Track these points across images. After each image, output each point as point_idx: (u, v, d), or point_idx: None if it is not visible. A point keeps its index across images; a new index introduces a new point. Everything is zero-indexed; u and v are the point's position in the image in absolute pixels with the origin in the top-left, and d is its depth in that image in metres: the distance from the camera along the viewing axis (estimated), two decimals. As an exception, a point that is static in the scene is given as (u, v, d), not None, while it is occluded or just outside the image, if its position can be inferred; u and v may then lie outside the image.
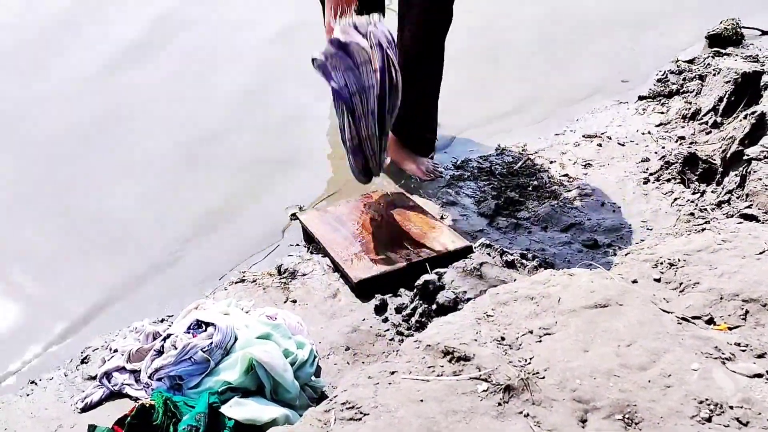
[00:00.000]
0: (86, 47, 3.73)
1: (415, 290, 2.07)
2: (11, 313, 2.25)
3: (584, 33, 3.83)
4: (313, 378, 1.83)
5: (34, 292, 2.32)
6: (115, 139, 3.03)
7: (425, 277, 2.07)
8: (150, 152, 2.95)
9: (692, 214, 2.34)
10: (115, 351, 1.97)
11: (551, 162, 2.83)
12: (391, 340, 1.99)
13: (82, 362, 2.03)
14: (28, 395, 1.93)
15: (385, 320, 2.05)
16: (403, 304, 2.08)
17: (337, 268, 2.25)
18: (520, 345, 1.48)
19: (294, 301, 2.15)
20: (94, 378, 1.94)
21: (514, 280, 1.98)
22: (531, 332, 1.51)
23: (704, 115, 2.95)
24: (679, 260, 1.74)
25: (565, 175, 2.74)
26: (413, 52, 2.63)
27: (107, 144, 3.00)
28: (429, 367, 1.43)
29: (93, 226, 2.56)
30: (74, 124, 3.12)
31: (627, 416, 1.30)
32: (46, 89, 3.35)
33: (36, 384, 1.97)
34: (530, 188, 2.67)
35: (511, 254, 2.22)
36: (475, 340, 1.49)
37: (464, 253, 2.24)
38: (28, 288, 2.33)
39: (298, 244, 2.46)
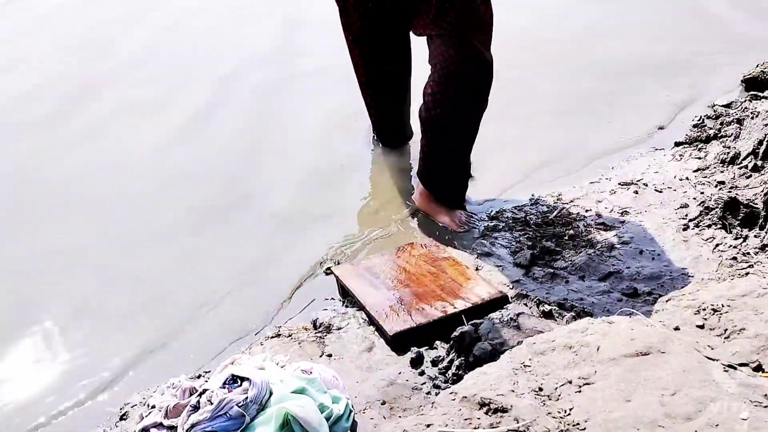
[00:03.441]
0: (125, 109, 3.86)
1: (452, 342, 2.04)
2: (50, 370, 2.27)
3: (617, 81, 3.83)
4: (349, 433, 1.80)
5: (72, 349, 2.34)
6: (150, 196, 3.09)
7: (461, 328, 2.04)
8: (184, 208, 3.00)
9: (735, 258, 2.28)
10: (153, 407, 1.97)
11: (587, 210, 2.80)
12: (427, 393, 1.95)
13: (121, 419, 2.03)
14: (66, 453, 1.94)
15: (422, 373, 2.02)
16: (440, 356, 2.06)
17: (372, 321, 2.24)
18: (559, 395, 1.44)
19: (329, 355, 2.14)
20: (132, 435, 1.95)
21: (552, 330, 1.94)
22: (570, 382, 1.47)
23: (744, 159, 2.90)
24: (722, 306, 1.69)
25: (601, 224, 2.70)
26: (441, 104, 2.65)
27: (139, 202, 3.06)
28: (465, 419, 1.40)
29: (128, 284, 2.59)
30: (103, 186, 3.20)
31: (673, 468, 1.25)
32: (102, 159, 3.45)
33: (75, 442, 1.98)
34: (566, 237, 2.64)
35: (549, 304, 2.19)
36: (512, 391, 1.46)
37: (500, 303, 2.21)
38: (66, 345, 2.35)
39: (333, 298, 2.46)
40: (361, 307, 2.30)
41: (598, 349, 1.55)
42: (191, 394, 1.90)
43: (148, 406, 1.99)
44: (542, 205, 2.87)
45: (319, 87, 3.92)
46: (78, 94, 3.99)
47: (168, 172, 3.27)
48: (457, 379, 1.91)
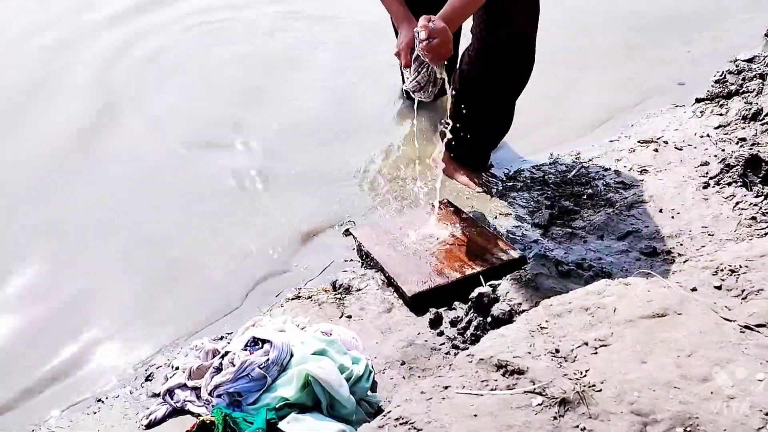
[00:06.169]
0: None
1: (470, 303, 2.06)
2: (76, 332, 2.32)
3: (637, 36, 3.76)
4: (369, 393, 1.83)
5: (97, 311, 2.39)
6: (170, 160, 3.10)
7: (479, 289, 2.06)
8: (201, 170, 3.02)
9: (754, 218, 2.26)
10: (177, 368, 2.03)
11: (606, 169, 2.78)
12: (446, 353, 1.99)
13: (146, 380, 2.09)
14: (95, 413, 2.00)
15: (440, 334, 2.05)
16: (458, 317, 2.08)
17: (391, 282, 2.26)
18: (575, 357, 1.46)
19: (349, 317, 2.17)
20: (157, 395, 2.00)
21: (570, 290, 1.95)
22: (586, 344, 1.49)
23: (766, 115, 2.86)
24: (740, 267, 1.69)
25: (620, 182, 2.69)
26: (469, 71, 2.60)
27: (158, 165, 3.07)
28: (482, 381, 1.43)
29: (150, 247, 2.62)
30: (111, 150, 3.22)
31: (688, 429, 1.27)
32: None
33: (102, 402, 2.03)
34: (585, 197, 2.63)
35: (567, 264, 2.19)
36: (529, 352, 1.47)
37: (518, 264, 2.22)
38: (92, 308, 2.40)
39: (352, 260, 2.48)
40: (380, 269, 2.32)
41: (614, 310, 1.56)
42: (214, 356, 1.95)
43: (173, 367, 2.04)
44: (561, 164, 2.85)
45: (345, 40, 3.89)
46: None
47: (186, 135, 3.28)
48: (476, 339, 1.93)
